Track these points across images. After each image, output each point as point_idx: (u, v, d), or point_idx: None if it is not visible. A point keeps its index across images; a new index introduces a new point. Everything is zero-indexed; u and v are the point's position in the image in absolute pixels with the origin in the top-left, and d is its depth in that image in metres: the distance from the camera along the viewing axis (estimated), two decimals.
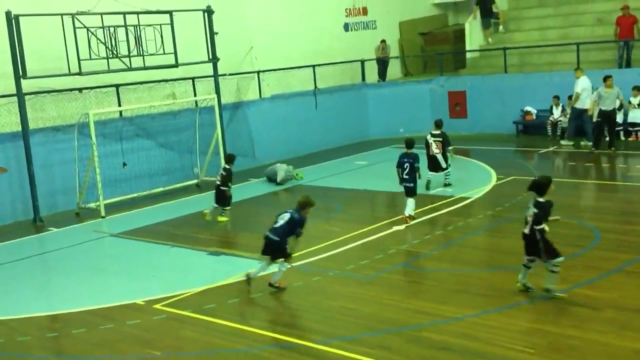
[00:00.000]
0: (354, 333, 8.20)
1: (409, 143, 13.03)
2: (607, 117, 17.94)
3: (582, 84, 18.70)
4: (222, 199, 14.08)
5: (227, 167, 14.23)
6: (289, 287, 9.88)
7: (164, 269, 11.38)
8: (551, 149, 19.27)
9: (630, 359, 7.03)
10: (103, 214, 15.09)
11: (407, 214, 12.69)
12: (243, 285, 9.98)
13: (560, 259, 8.53)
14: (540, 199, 8.59)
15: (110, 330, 8.83)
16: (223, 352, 8.03)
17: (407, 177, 12.78)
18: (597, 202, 13.30)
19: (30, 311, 9.69)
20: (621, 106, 18.66)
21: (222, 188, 14.04)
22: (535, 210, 8.55)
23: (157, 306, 9.46)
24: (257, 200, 16.07)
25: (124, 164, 16.70)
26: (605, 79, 17.91)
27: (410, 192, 12.83)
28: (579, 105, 18.78)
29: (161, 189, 16.82)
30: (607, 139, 18.14)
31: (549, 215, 8.59)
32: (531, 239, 8.57)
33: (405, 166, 12.80)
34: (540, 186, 8.64)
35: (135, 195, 16.25)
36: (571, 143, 19.13)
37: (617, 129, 18.73)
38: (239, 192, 16.86)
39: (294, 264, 10.30)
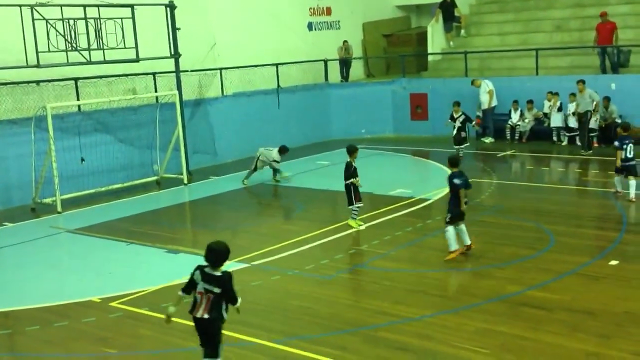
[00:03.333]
0: (311, 332, 8.22)
1: (454, 161, 11.05)
2: (580, 119, 18.46)
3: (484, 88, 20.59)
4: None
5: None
6: (247, 286, 9.86)
7: (121, 266, 11.25)
8: (509, 152, 19.58)
9: None
10: (59, 209, 14.84)
11: (468, 242, 10.83)
12: None
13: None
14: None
15: (65, 327, 8.71)
16: (179, 350, 7.98)
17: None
18: (553, 205, 13.55)
19: None
20: (604, 106, 19.10)
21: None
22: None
23: (113, 304, 9.36)
24: (217, 199, 15.99)
25: (82, 159, 16.44)
26: (578, 83, 18.45)
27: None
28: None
29: (120, 185, 16.61)
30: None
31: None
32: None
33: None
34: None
35: (93, 191, 16.03)
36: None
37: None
38: (199, 189, 16.80)
39: (254, 264, 10.28)
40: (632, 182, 13.27)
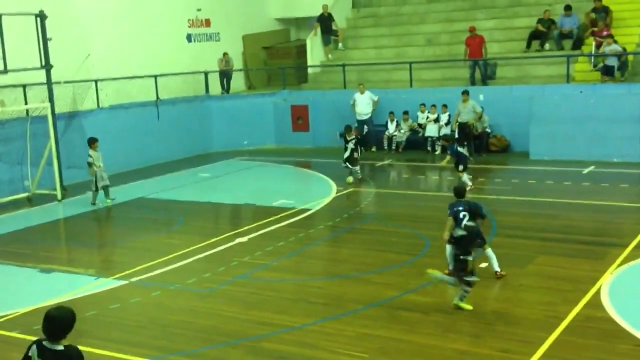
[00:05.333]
0: (193, 347, 8.12)
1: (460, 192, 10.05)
2: (462, 128, 19.26)
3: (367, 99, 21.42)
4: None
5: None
6: (126, 303, 9.61)
7: None
8: (387, 162, 20.19)
9: (452, 359, 7.52)
10: None
11: (497, 270, 10.04)
12: (77, 303, 9.57)
13: None
14: None
15: None
16: None
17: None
18: (428, 211, 14.09)
19: None
20: (480, 117, 19.96)
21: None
22: None
23: None
24: (94, 214, 15.46)
25: None
26: (462, 93, 19.27)
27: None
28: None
29: None
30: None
31: None
32: None
33: (462, 215, 9.54)
34: None
35: None
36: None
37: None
38: (74, 205, 16.16)
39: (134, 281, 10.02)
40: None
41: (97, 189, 15.83)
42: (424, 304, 9.11)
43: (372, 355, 7.65)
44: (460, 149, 15.80)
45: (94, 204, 15.79)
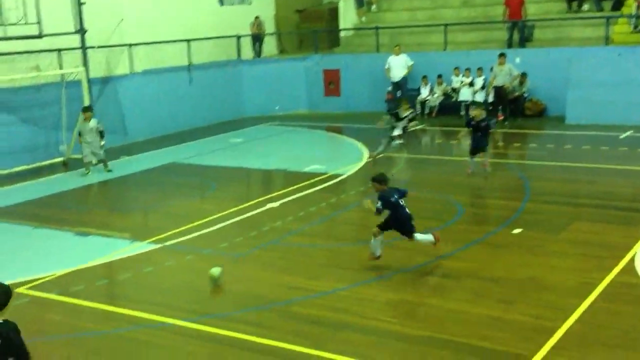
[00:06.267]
0: (226, 310, 8.24)
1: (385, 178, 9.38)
2: (498, 92, 18.98)
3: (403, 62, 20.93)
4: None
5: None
6: (161, 266, 9.76)
7: (28, 250, 10.88)
8: (419, 127, 20.00)
9: (484, 324, 7.51)
10: None
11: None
12: (113, 266, 9.76)
13: None
14: None
15: None
16: (90, 334, 7.83)
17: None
18: (460, 177, 13.97)
19: None
20: (519, 82, 19.63)
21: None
22: None
23: (21, 290, 9.05)
24: (128, 179, 15.65)
25: None
26: (499, 56, 18.93)
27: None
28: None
29: (24, 167, 16.00)
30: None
31: None
32: None
33: (402, 202, 9.25)
34: None
35: None
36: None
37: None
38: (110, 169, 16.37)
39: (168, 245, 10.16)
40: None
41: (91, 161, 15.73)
42: (454, 270, 9.08)
43: (402, 320, 7.68)
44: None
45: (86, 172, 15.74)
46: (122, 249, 10.61)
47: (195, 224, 11.59)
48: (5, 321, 5.40)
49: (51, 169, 16.38)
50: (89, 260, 10.11)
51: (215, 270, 8.85)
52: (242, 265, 9.75)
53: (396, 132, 14.97)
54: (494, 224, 11.06)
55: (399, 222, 9.21)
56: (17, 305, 8.54)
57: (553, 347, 6.89)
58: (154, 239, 10.89)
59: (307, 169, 15.13)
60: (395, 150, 15.51)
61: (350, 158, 16.19)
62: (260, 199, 12.93)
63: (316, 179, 14.29)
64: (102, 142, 15.62)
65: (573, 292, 8.24)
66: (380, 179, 9.27)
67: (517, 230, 10.37)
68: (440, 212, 11.72)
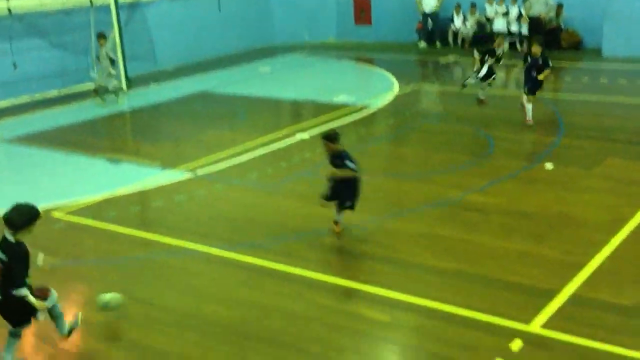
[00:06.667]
0: (257, 240, 8.33)
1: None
2: (533, 23, 18.46)
3: None
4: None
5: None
6: (191, 195, 9.86)
7: (62, 176, 11.06)
8: (451, 59, 19.64)
9: (514, 259, 7.52)
10: None
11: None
12: (145, 194, 9.88)
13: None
14: None
15: None
16: (124, 260, 8.01)
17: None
18: (493, 110, 13.77)
19: None
20: (555, 12, 19.04)
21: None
22: None
23: (56, 214, 9.25)
24: (158, 107, 15.68)
25: (14, 65, 15.77)
26: None
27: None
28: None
29: (55, 92, 16.09)
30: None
31: None
32: None
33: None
34: None
35: (27, 98, 15.48)
36: None
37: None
38: (138, 97, 16.41)
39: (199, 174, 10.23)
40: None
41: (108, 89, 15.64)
42: (485, 205, 9.05)
43: (434, 254, 7.72)
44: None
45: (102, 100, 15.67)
46: (154, 177, 10.72)
47: (225, 153, 11.64)
48: (18, 242, 5.53)
49: (82, 95, 16.43)
50: (122, 187, 10.24)
51: (106, 297, 6.67)
52: (272, 196, 9.81)
53: (483, 71, 13.50)
54: (527, 159, 10.94)
55: (351, 189, 8.08)
56: (53, 229, 8.78)
57: (583, 283, 6.89)
58: (184, 167, 10.98)
59: (336, 100, 15.01)
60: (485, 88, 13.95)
61: (380, 89, 16.01)
62: (289, 130, 12.90)
63: (346, 110, 14.18)
64: (112, 71, 15.46)
65: (604, 227, 8.19)
66: (332, 137, 8.04)
67: (549, 166, 10.26)
68: (472, 146, 11.61)
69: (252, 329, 6.36)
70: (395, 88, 16.06)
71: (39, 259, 5.95)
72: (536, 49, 12.33)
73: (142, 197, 10.03)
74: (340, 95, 15.31)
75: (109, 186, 10.28)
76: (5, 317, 5.67)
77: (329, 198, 8.18)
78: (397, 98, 15.24)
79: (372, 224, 8.62)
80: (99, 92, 15.56)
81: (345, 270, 7.49)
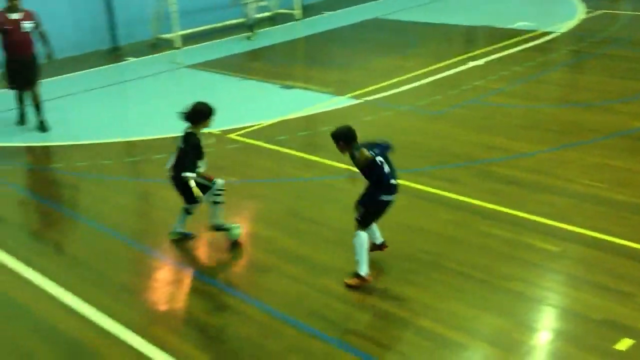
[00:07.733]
0: (421, 166, 8.27)
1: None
2: None
3: None
4: None
5: None
6: (359, 121, 9.93)
7: (237, 100, 11.55)
8: None
9: None
10: (178, 44, 15.21)
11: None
12: (314, 118, 10.07)
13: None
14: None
15: None
16: (292, 180, 8.29)
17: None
18: None
19: (110, 136, 10.10)
20: None
21: None
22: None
23: (232, 136, 9.71)
24: (329, 35, 15.79)
25: None
26: None
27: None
28: None
29: (234, 21, 16.67)
30: None
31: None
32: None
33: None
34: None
35: (209, 27, 16.20)
36: None
37: None
38: (311, 25, 16.61)
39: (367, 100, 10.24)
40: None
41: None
42: None
43: (610, 186, 7.24)
44: None
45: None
46: (324, 102, 10.90)
47: (395, 80, 11.54)
48: (194, 133, 6.41)
49: (260, 24, 16.88)
50: (293, 112, 10.53)
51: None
52: (440, 123, 9.63)
53: None
54: None
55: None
56: (228, 149, 9.26)
57: None
58: (353, 94, 11.04)
59: (515, 26, 14.26)
60: None
61: (563, 14, 14.98)
62: (462, 57, 12.51)
63: (524, 36, 13.46)
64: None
65: None
66: (344, 134, 5.96)
67: None
68: None
69: (413, 251, 6.38)
70: (580, 12, 14.93)
71: (218, 182, 6.55)
72: None
73: (311, 122, 10.26)
74: (518, 21, 14.51)
75: (281, 111, 10.61)
76: (181, 194, 6.53)
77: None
78: (581, 23, 14.19)
79: (545, 153, 8.22)
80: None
81: (513, 200, 7.24)
